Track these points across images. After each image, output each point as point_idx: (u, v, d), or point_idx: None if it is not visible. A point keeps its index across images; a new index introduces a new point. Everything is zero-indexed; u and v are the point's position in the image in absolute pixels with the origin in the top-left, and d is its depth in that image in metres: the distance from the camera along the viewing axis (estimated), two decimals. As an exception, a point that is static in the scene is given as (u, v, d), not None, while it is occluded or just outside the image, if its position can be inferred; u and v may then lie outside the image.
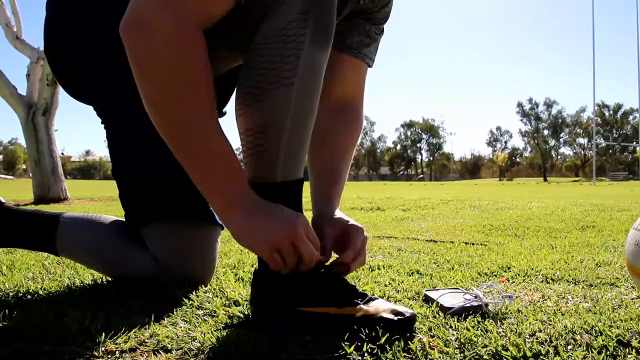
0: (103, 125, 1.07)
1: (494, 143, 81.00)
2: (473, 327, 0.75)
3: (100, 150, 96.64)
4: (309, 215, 0.87)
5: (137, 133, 1.01)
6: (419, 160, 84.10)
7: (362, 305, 0.77)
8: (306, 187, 0.87)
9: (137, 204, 1.03)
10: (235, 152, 0.76)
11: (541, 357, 0.66)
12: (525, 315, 0.82)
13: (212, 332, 0.74)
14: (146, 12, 0.67)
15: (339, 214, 0.94)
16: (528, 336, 0.71)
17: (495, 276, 1.18)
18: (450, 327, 0.76)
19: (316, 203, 0.97)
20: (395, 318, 0.74)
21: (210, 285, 1.02)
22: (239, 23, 0.79)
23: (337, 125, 1.04)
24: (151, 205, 1.01)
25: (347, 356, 0.66)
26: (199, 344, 0.70)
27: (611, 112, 70.44)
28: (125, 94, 0.99)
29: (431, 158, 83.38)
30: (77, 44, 1.00)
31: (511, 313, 0.83)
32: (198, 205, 1.01)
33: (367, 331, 0.71)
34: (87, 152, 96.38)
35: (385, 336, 0.69)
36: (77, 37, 1.00)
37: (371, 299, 0.78)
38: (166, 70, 0.68)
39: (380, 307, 0.76)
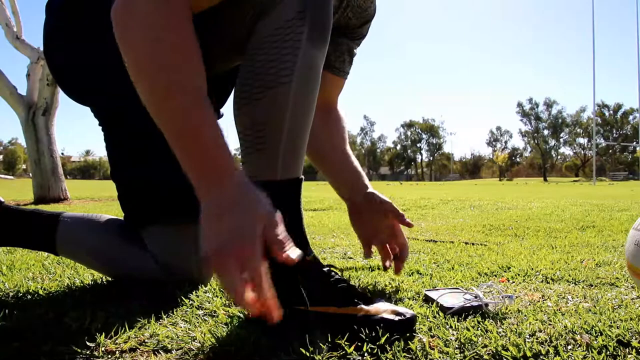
0: (100, 127, 1.07)
1: (494, 143, 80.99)
2: (473, 327, 0.75)
3: (100, 150, 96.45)
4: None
5: (135, 134, 1.01)
6: (419, 160, 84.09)
7: (362, 306, 0.76)
8: (307, 188, 0.87)
9: (136, 205, 1.03)
10: (234, 152, 0.75)
11: (541, 357, 0.66)
12: (525, 315, 0.82)
13: (212, 332, 0.74)
14: None
15: (379, 194, 1.00)
16: (528, 336, 0.71)
17: (495, 276, 1.18)
18: (450, 327, 0.76)
19: (352, 188, 1.03)
20: (396, 319, 0.73)
21: (210, 285, 1.02)
22: (234, 23, 0.79)
23: (330, 126, 1.11)
24: (150, 205, 1.01)
25: (347, 356, 0.66)
26: (199, 344, 0.70)
27: (611, 112, 70.43)
28: (122, 95, 1.00)
29: (431, 158, 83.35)
30: (76, 46, 1.00)
31: (511, 313, 0.83)
32: (196, 205, 1.01)
33: (367, 331, 0.71)
34: (87, 152, 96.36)
35: (385, 336, 0.69)
36: (76, 39, 1.00)
37: (372, 300, 0.78)
38: (143, 48, 0.66)
39: (381, 307, 0.76)
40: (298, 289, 0.78)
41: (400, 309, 0.76)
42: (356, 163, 1.12)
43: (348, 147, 1.13)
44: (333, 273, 0.81)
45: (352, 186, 1.10)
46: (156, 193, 1.00)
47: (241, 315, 0.83)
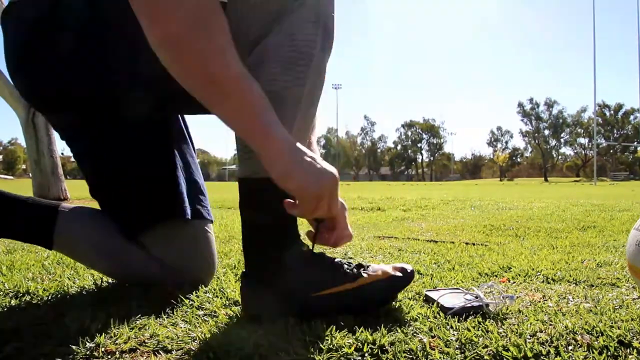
0: (74, 151, 1.02)
1: (494, 143, 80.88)
2: (474, 327, 0.75)
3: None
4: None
5: (116, 143, 0.98)
6: (419, 161, 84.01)
7: (369, 273, 0.84)
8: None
9: (130, 214, 1.01)
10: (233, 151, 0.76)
11: (542, 357, 0.65)
12: (526, 316, 0.81)
13: (212, 332, 0.74)
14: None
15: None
16: (529, 336, 0.71)
17: (496, 276, 1.17)
18: (451, 327, 0.75)
19: None
20: (408, 271, 0.87)
21: (211, 286, 1.02)
22: (250, 25, 0.79)
23: None
24: (142, 212, 1.00)
25: (348, 356, 0.66)
26: (199, 344, 0.70)
27: (612, 112, 70.26)
28: (97, 105, 0.95)
29: (432, 158, 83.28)
30: (51, 60, 0.93)
31: (512, 313, 0.83)
32: (187, 204, 1.01)
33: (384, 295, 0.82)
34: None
35: (386, 338, 0.69)
36: (53, 54, 0.93)
37: (368, 266, 0.86)
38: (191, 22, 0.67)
39: (384, 268, 0.85)
40: (310, 276, 0.81)
41: (398, 264, 0.88)
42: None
43: (313, 139, 1.01)
44: (331, 257, 0.86)
45: None
46: (145, 199, 1.00)
47: (241, 316, 0.83)
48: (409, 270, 0.88)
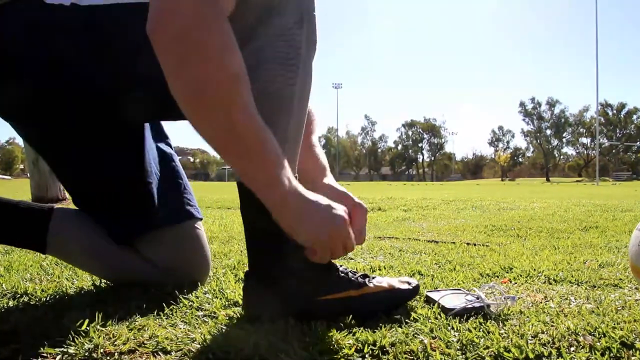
0: (47, 159, 1.00)
1: (496, 143, 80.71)
2: (475, 328, 0.75)
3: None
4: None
5: (90, 156, 0.96)
6: (420, 161, 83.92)
7: (374, 282, 0.85)
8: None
9: (112, 224, 1.00)
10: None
11: (544, 358, 0.65)
12: (528, 317, 0.81)
13: (211, 333, 0.74)
14: (172, 3, 0.63)
15: (337, 185, 0.94)
16: (530, 338, 0.71)
17: (498, 277, 1.17)
18: (452, 328, 0.75)
19: (313, 181, 0.93)
20: (412, 286, 0.88)
21: (210, 286, 1.02)
22: (236, 30, 0.78)
23: None
24: (125, 223, 0.99)
25: (348, 357, 0.65)
26: (198, 346, 0.70)
27: (614, 111, 70.03)
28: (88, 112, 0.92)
29: (433, 158, 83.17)
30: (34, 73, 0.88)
31: (513, 314, 0.83)
32: (173, 206, 1.00)
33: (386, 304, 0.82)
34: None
35: (387, 339, 0.69)
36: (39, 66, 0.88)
37: (373, 277, 0.87)
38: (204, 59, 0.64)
39: (389, 280, 0.87)
40: (315, 280, 0.81)
41: (403, 278, 0.90)
42: (321, 157, 0.99)
43: (315, 140, 1.01)
44: (336, 264, 0.85)
45: (313, 180, 0.97)
46: (128, 210, 0.99)
47: (241, 317, 0.82)
48: (413, 284, 0.89)
